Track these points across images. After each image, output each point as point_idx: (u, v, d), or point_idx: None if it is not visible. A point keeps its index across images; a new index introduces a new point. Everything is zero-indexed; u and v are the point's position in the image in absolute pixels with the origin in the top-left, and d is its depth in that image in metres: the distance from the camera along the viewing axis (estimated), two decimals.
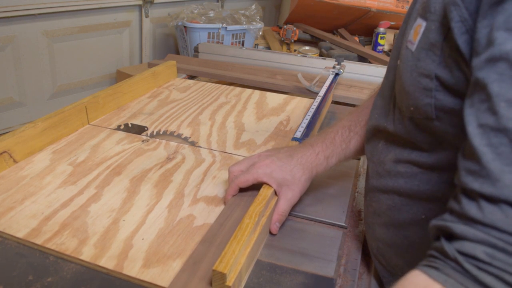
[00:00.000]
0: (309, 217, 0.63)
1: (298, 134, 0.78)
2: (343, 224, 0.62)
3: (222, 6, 2.51)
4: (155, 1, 2.16)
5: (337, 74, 1.13)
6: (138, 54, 2.24)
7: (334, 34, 2.15)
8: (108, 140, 0.83)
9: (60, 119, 0.81)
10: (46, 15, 1.80)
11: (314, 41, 2.04)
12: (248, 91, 1.12)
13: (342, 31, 2.15)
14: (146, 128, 0.87)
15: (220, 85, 1.17)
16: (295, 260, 0.55)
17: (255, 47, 2.04)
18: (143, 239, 0.56)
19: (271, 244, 0.58)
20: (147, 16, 2.17)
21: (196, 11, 2.07)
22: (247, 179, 0.60)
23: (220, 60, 1.39)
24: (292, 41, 2.00)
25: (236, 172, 0.62)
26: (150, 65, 1.35)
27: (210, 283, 0.48)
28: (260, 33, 2.06)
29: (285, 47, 2.00)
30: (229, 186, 0.62)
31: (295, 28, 1.99)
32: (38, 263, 0.52)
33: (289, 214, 0.63)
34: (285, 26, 2.02)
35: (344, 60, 1.27)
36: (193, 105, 1.01)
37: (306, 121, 0.84)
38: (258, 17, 2.08)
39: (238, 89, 1.14)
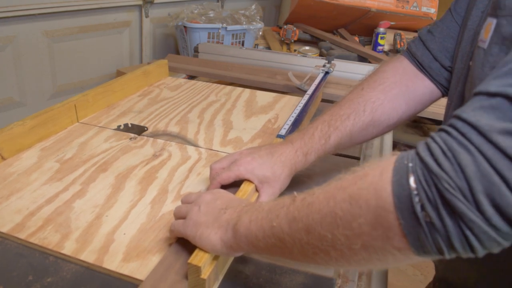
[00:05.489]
0: None
1: (283, 132, 0.79)
2: None
3: (222, 6, 2.51)
4: (155, 1, 2.16)
5: (327, 73, 1.14)
6: (138, 54, 2.24)
7: (334, 34, 2.15)
8: (96, 137, 0.84)
9: (49, 117, 0.82)
10: (46, 15, 1.80)
11: (314, 41, 2.04)
12: (239, 89, 1.13)
13: (342, 31, 2.15)
14: (146, 128, 0.87)
15: (210, 83, 1.17)
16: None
17: (255, 47, 2.04)
18: (124, 234, 0.57)
19: None
20: (147, 16, 2.17)
21: (196, 11, 2.07)
22: (229, 176, 0.60)
23: (220, 60, 1.39)
24: (292, 41, 2.00)
25: (217, 169, 0.63)
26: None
27: (186, 277, 0.48)
28: (260, 33, 2.06)
29: (285, 47, 2.00)
30: (211, 183, 0.62)
31: (295, 28, 1.99)
32: (38, 263, 0.52)
33: None
34: (285, 26, 2.02)
35: (335, 59, 1.28)
36: (182, 104, 1.02)
37: (292, 119, 0.84)
38: (258, 17, 2.08)
39: (229, 87, 1.15)
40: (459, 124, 0.30)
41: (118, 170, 0.73)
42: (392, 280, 1.58)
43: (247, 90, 1.13)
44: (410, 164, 0.31)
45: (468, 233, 0.28)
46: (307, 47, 1.89)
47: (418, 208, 0.30)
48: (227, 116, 0.96)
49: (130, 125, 0.89)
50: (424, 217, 0.30)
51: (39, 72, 1.87)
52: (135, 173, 0.72)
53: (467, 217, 0.28)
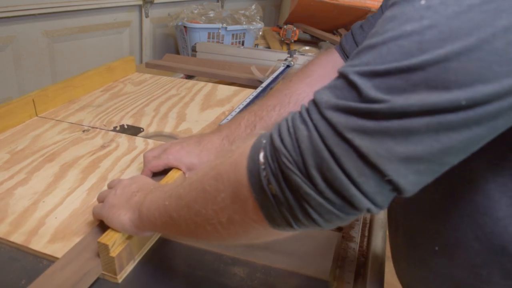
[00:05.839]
0: None
1: (225, 121, 0.80)
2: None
3: (222, 6, 2.51)
4: (155, 1, 2.16)
5: (288, 66, 1.16)
6: (138, 54, 2.24)
7: (334, 34, 2.14)
8: (51, 130, 0.86)
9: (6, 111, 0.85)
10: (46, 15, 1.80)
11: (314, 41, 2.03)
12: (201, 83, 1.15)
13: (342, 31, 2.15)
14: (141, 130, 0.87)
15: (175, 78, 1.19)
16: (290, 263, 0.54)
17: (255, 47, 2.03)
18: (56, 218, 0.60)
19: (266, 246, 0.57)
20: (147, 16, 2.17)
21: (196, 11, 2.07)
22: (158, 164, 0.63)
23: (218, 59, 1.39)
24: (292, 41, 1.99)
25: (149, 157, 0.66)
26: (148, 65, 1.35)
27: (99, 255, 0.51)
28: (260, 33, 2.05)
29: (285, 47, 1.99)
30: (143, 171, 0.66)
31: (295, 28, 1.98)
32: (31, 268, 0.52)
33: None
34: (285, 26, 2.02)
35: (298, 53, 1.31)
36: (142, 98, 1.05)
37: (237, 110, 0.85)
38: (258, 17, 2.07)
39: (192, 82, 1.17)
40: (310, 102, 0.32)
41: (64, 160, 0.75)
42: (392, 280, 1.57)
43: (209, 84, 1.15)
44: (264, 141, 0.33)
45: (305, 205, 0.30)
46: (307, 47, 1.89)
47: (265, 182, 0.31)
48: (183, 109, 0.99)
49: (126, 126, 0.88)
50: (270, 191, 0.31)
51: (39, 72, 1.86)
52: (80, 162, 0.75)
53: (302, 190, 0.30)
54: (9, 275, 0.51)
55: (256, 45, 2.06)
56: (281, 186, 0.30)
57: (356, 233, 0.62)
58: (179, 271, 0.54)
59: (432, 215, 0.42)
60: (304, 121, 0.30)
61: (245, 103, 0.89)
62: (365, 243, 0.65)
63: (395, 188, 0.29)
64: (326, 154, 0.29)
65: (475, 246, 0.38)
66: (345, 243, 0.60)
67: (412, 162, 0.28)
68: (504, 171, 0.35)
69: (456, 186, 0.38)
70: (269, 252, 0.56)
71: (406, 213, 0.46)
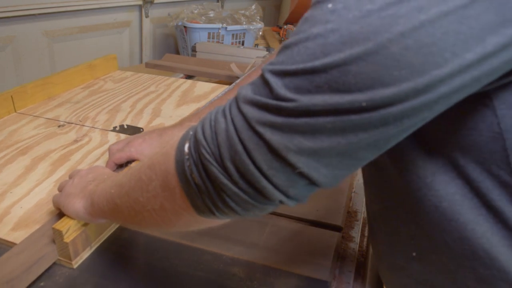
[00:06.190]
0: (303, 218, 0.62)
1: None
2: (339, 225, 0.61)
3: (222, 6, 2.51)
4: (155, 1, 2.16)
5: None
6: (138, 54, 2.24)
7: None
8: (27, 125, 0.88)
9: None
10: (46, 15, 1.80)
11: None
12: (181, 81, 1.17)
13: None
14: (141, 130, 0.87)
15: (155, 75, 1.20)
16: (289, 263, 0.54)
17: (255, 47, 2.03)
18: (21, 207, 0.62)
19: (265, 246, 0.57)
20: (147, 16, 2.17)
21: (196, 11, 2.07)
22: (121, 157, 0.66)
23: (218, 59, 1.39)
24: None
25: (114, 150, 0.68)
26: (148, 65, 1.35)
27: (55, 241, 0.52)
28: (260, 33, 2.05)
29: None
30: (107, 163, 0.68)
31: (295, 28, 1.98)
32: None
33: (283, 216, 0.62)
34: (285, 26, 2.02)
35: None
36: (120, 94, 1.06)
37: (207, 104, 0.86)
38: (258, 17, 2.07)
39: (172, 79, 1.19)
40: (234, 97, 0.33)
41: (37, 153, 0.77)
42: None
43: (188, 81, 1.17)
44: (191, 133, 0.34)
45: (223, 194, 0.32)
46: None
47: (188, 171, 0.33)
48: (158, 105, 1.00)
49: (125, 126, 0.88)
50: (193, 180, 0.33)
51: (39, 72, 1.86)
52: (51, 156, 0.76)
53: (219, 180, 0.31)
54: None
55: (256, 45, 2.06)
56: (202, 176, 0.32)
57: (356, 233, 0.62)
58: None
59: (406, 222, 0.42)
60: (224, 115, 0.32)
61: (216, 98, 0.90)
62: (364, 243, 0.65)
63: (309, 181, 0.30)
64: (239, 147, 0.30)
65: (447, 252, 0.38)
66: (344, 243, 0.60)
67: (322, 156, 0.29)
68: (460, 174, 0.35)
69: (421, 193, 0.37)
70: (269, 252, 0.56)
71: (383, 220, 0.46)
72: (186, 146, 0.33)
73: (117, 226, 0.59)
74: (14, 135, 0.84)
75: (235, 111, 0.31)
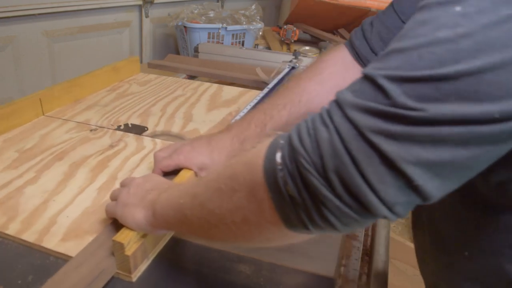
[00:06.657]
0: None
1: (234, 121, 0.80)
2: None
3: (222, 6, 2.51)
4: (155, 1, 2.16)
5: (293, 68, 1.17)
6: (138, 54, 2.24)
7: (334, 34, 2.15)
8: (59, 129, 0.86)
9: (12, 110, 0.85)
10: (46, 15, 1.79)
11: (314, 41, 2.03)
12: (206, 84, 1.15)
13: (342, 31, 2.15)
14: (146, 129, 0.87)
15: (180, 79, 1.20)
16: (295, 260, 0.55)
17: (255, 47, 2.04)
18: (67, 216, 0.61)
19: None
20: (147, 16, 2.17)
21: (196, 11, 2.07)
22: (169, 164, 0.64)
23: (220, 60, 1.39)
24: (292, 41, 1.99)
25: (160, 157, 0.66)
26: (150, 65, 1.35)
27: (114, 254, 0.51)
28: (260, 33, 2.05)
29: (285, 47, 1.99)
30: (153, 170, 0.66)
31: (295, 28, 1.99)
32: (38, 264, 0.52)
33: None
34: (285, 26, 2.02)
35: (301, 55, 1.31)
36: (148, 98, 1.05)
37: (245, 110, 0.86)
38: (258, 17, 2.07)
39: (197, 82, 1.17)
40: (331, 103, 0.31)
41: (73, 159, 0.76)
42: (392, 280, 1.58)
43: (215, 85, 1.15)
44: (281, 141, 0.32)
45: (323, 207, 0.30)
46: (307, 47, 1.89)
47: (281, 182, 0.31)
48: (189, 109, 0.99)
49: (130, 125, 0.89)
50: (287, 192, 0.31)
51: (39, 72, 1.86)
52: (89, 161, 0.75)
53: (320, 192, 0.29)
54: (15, 271, 0.51)
55: (256, 45, 2.06)
56: (299, 187, 0.30)
57: (360, 232, 0.63)
58: (190, 270, 0.54)
59: (463, 225, 0.41)
60: (324, 123, 0.30)
61: (252, 104, 0.89)
62: (368, 242, 0.66)
63: (420, 194, 0.28)
64: (346, 158, 0.28)
65: (509, 253, 0.38)
66: (349, 241, 0.60)
67: (439, 168, 0.28)
68: None
69: (497, 204, 0.37)
70: (275, 250, 0.56)
71: (432, 219, 0.46)
72: (278, 155, 0.31)
73: (170, 236, 0.57)
74: (47, 139, 0.82)
75: (339, 118, 0.29)
